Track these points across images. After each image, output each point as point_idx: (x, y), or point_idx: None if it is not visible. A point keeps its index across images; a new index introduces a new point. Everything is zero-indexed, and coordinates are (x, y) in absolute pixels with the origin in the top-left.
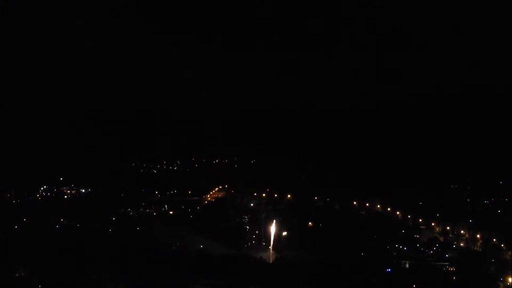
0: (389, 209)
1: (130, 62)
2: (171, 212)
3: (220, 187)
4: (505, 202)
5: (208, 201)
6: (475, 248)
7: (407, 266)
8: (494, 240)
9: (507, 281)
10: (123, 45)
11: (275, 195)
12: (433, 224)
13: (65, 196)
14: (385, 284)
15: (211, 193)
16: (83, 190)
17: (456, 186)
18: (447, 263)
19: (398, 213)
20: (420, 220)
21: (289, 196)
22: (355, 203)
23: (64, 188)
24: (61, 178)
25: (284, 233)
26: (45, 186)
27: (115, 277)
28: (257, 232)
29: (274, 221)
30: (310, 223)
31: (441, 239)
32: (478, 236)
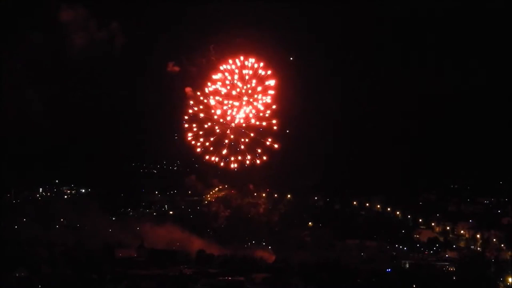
0: (389, 209)
1: (128, 60)
2: (171, 212)
3: (220, 187)
4: (505, 202)
5: (208, 201)
6: (475, 248)
7: (407, 266)
8: (494, 240)
9: (507, 281)
10: (122, 44)
11: (275, 195)
12: (433, 224)
13: (65, 196)
14: (385, 284)
15: (211, 193)
16: (83, 190)
17: (456, 186)
18: (447, 263)
19: (398, 213)
20: (420, 220)
21: (289, 196)
22: (355, 203)
23: (64, 188)
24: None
25: (284, 233)
26: (44, 186)
27: (115, 277)
28: (257, 232)
29: (274, 221)
30: (310, 223)
31: (441, 239)
32: (478, 236)
